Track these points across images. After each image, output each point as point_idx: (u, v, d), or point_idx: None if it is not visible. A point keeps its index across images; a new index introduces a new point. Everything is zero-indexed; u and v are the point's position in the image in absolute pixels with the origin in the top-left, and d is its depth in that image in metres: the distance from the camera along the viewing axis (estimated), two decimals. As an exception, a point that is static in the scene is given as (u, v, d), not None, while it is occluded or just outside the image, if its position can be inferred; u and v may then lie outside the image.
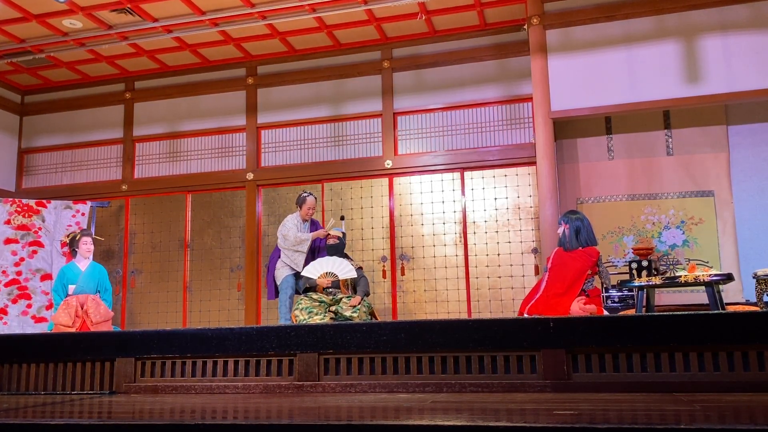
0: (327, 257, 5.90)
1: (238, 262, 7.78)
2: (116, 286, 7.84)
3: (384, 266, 7.31)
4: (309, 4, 6.65)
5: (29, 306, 7.32)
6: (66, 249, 7.26)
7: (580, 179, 6.96)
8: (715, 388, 3.01)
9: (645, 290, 5.24)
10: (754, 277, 5.29)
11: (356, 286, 5.87)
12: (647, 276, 5.97)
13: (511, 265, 7.00)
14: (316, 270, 5.79)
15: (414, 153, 7.48)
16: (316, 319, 5.53)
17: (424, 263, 7.24)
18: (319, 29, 7.33)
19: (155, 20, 6.96)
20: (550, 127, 6.41)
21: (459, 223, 7.20)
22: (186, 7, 6.75)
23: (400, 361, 3.47)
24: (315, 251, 6.14)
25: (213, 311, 7.78)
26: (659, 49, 6.26)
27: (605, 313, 5.14)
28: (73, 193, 8.33)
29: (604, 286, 5.60)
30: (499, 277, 7.00)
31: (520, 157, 7.09)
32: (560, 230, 5.21)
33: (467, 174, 7.27)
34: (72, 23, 7.02)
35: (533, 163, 6.77)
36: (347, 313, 5.54)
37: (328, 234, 6.08)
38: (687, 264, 6.07)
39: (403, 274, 7.26)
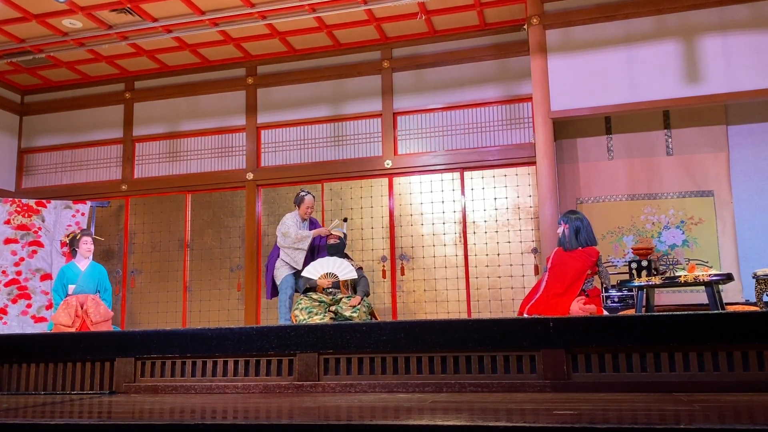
0: (327, 258, 5.88)
1: (238, 262, 7.78)
2: (116, 286, 7.84)
3: (384, 266, 7.31)
4: (309, 4, 6.65)
5: (29, 306, 7.32)
6: (66, 249, 7.25)
7: (580, 179, 6.96)
8: (714, 388, 3.01)
9: (645, 290, 5.23)
10: (753, 277, 5.29)
11: (356, 286, 5.85)
12: (647, 276, 5.97)
13: (510, 265, 7.00)
14: (316, 270, 5.77)
15: (414, 153, 7.48)
16: (316, 319, 5.53)
17: (423, 263, 7.24)
18: (319, 29, 7.33)
19: (155, 20, 6.96)
20: (550, 127, 6.41)
21: (459, 223, 7.20)
22: (186, 7, 6.75)
23: (399, 361, 3.47)
24: (315, 251, 6.10)
25: (213, 311, 7.78)
26: (659, 49, 6.26)
27: (605, 313, 5.14)
28: (73, 193, 8.33)
29: (604, 286, 5.60)
30: (499, 277, 7.00)
31: (519, 157, 7.09)
32: (560, 230, 5.21)
33: (467, 174, 7.27)
34: (72, 23, 7.02)
35: (533, 163, 6.77)
36: (347, 313, 5.54)
37: (330, 233, 6.07)
38: (687, 264, 6.07)
39: (402, 274, 7.26)
